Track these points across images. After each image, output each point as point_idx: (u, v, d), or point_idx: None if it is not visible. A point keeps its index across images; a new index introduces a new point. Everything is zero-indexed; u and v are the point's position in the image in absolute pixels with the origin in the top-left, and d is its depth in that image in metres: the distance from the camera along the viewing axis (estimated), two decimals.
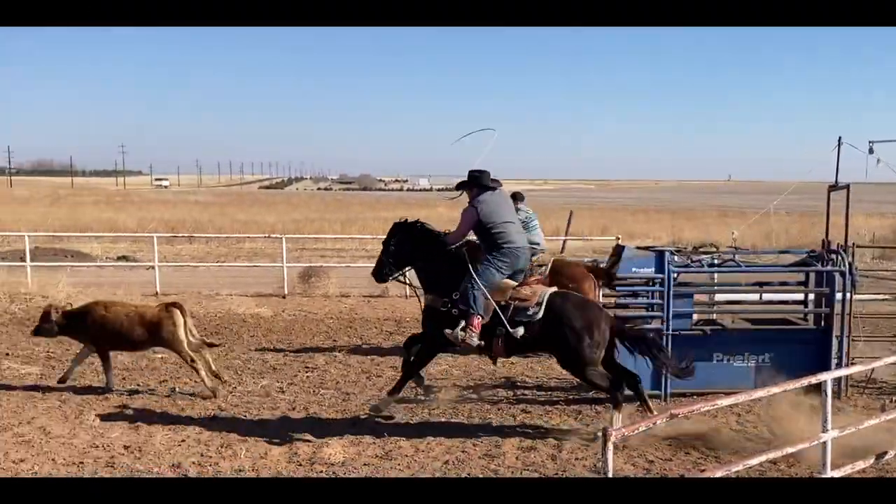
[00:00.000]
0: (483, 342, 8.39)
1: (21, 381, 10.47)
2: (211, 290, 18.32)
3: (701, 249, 12.67)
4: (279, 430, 8.56)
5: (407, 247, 8.89)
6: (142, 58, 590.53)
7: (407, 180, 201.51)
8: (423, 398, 9.53)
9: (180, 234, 29.30)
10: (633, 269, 9.86)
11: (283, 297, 18.09)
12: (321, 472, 7.42)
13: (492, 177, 8.58)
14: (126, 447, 7.96)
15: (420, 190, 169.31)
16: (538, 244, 11.45)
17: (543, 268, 12.29)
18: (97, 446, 7.99)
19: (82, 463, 7.54)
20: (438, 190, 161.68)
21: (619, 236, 20.69)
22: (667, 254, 9.80)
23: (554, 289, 8.67)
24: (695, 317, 10.25)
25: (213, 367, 10.20)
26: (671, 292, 9.73)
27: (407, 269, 9.03)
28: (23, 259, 19.55)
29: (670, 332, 9.70)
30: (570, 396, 10.13)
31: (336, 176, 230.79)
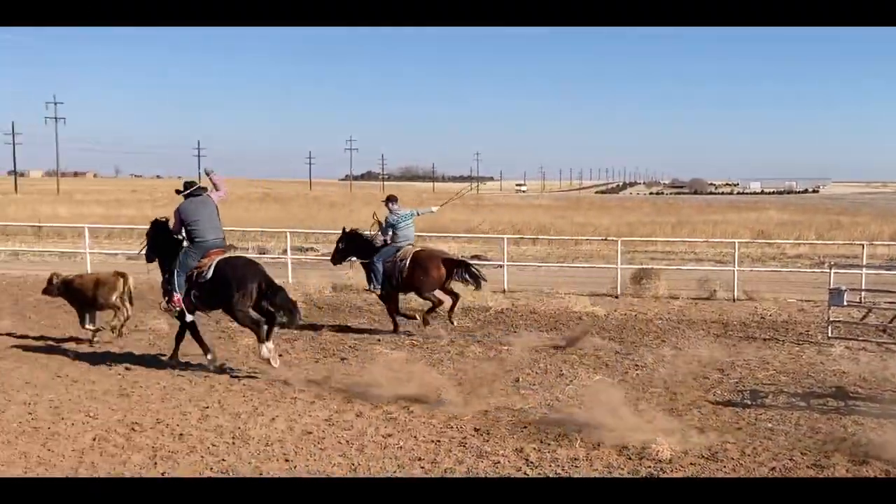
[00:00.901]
0: (184, 307, 10.54)
1: (389, 365, 11.27)
2: (551, 288, 18.46)
3: None
4: (610, 424, 8.56)
5: (154, 240, 11.06)
6: (505, 71, 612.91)
7: (738, 184, 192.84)
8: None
9: (526, 236, 30.07)
10: None
11: (616, 297, 18.03)
12: (649, 467, 7.34)
13: (199, 185, 10.84)
14: (476, 430, 8.36)
15: (751, 193, 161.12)
16: (403, 239, 13.65)
17: (405, 261, 13.55)
18: (451, 427, 8.46)
19: (439, 441, 8.02)
20: (769, 193, 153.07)
21: None
22: None
23: (226, 255, 10.60)
24: None
25: (123, 328, 12.43)
26: None
27: (155, 258, 11.11)
28: None
29: None
30: None
31: (668, 180, 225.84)
